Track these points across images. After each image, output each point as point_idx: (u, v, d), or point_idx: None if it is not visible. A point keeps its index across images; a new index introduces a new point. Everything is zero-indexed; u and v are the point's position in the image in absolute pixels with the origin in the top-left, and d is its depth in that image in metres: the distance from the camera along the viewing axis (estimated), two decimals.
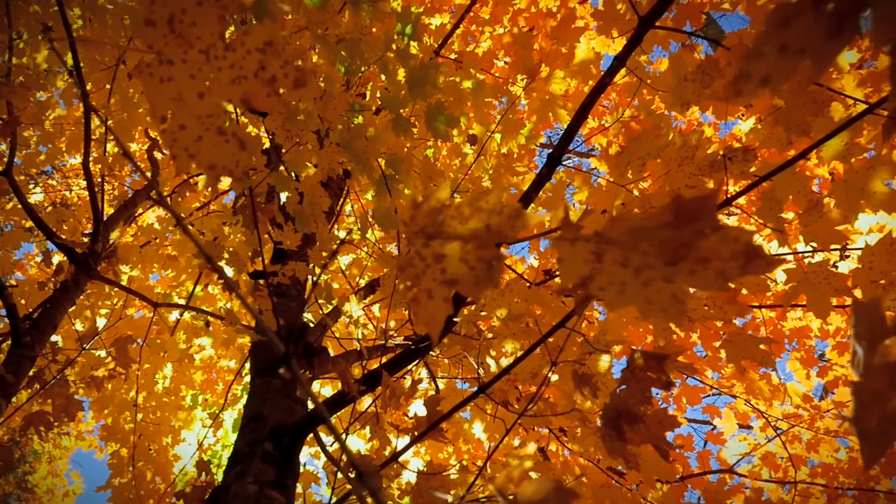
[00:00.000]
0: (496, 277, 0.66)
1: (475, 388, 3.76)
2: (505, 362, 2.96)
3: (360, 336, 3.13)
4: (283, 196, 3.67)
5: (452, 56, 5.63)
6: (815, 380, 5.94)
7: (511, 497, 0.66)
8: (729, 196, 1.69)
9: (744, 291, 2.36)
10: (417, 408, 5.07)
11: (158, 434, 6.06)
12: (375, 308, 6.38)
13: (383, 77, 3.81)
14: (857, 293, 2.06)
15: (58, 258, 5.02)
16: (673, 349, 2.16)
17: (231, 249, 3.34)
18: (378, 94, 3.66)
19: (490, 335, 3.18)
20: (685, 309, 0.62)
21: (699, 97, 2.03)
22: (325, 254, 3.34)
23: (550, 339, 2.44)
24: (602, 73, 4.47)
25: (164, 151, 8.14)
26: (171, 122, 0.79)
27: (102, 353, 4.46)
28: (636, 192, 2.43)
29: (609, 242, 0.59)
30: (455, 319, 2.74)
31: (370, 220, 3.86)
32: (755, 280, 2.07)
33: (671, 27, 3.59)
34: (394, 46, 3.61)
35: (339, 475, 3.99)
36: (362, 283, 5.41)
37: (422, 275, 0.69)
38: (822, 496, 5.97)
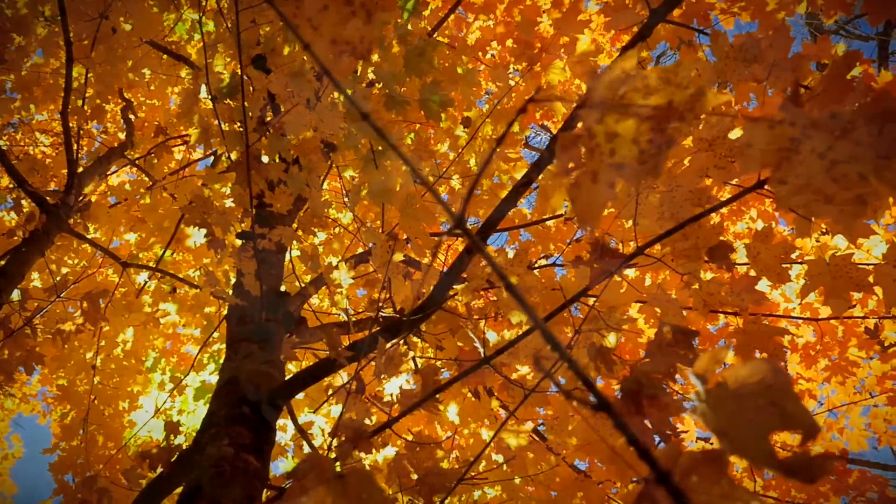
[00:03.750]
0: (661, 166, 0.61)
1: (453, 374, 3.71)
2: (497, 344, 2.91)
3: (346, 306, 3.06)
4: (265, 159, 3.57)
5: (444, 41, 5.58)
6: None
7: (718, 382, 0.61)
8: (761, 179, 1.66)
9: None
10: (391, 387, 5.00)
11: (115, 398, 5.90)
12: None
13: (374, 56, 3.73)
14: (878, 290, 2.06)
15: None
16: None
17: (217, 207, 3.24)
18: (371, 70, 3.59)
19: (476, 317, 3.13)
20: (864, 213, 0.58)
21: (739, 76, 2.00)
22: (315, 220, 3.26)
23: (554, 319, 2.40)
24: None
25: (138, 114, 7.97)
26: None
27: (70, 309, 4.32)
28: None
29: (818, 127, 0.54)
30: (454, 291, 2.69)
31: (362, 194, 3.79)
32: (776, 269, 2.04)
33: (679, 22, 3.58)
34: (392, 22, 3.55)
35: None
36: (335, 261, 5.31)
37: (589, 154, 0.63)
38: None
